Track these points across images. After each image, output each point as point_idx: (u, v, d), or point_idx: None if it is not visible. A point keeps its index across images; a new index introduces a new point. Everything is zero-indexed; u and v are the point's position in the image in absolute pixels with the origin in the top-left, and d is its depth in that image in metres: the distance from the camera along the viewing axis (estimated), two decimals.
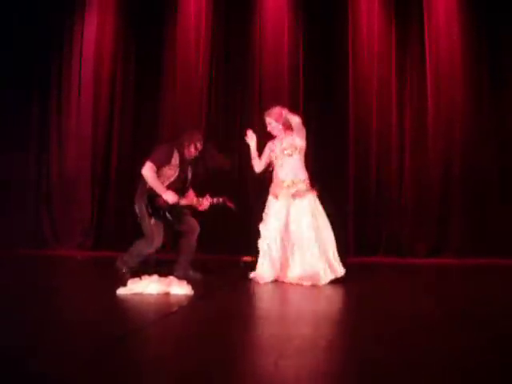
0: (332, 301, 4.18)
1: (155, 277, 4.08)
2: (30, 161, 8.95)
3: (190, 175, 5.26)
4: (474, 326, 3.03)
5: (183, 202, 5.07)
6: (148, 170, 4.90)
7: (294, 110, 8.55)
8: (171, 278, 4.18)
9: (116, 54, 9.00)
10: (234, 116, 8.78)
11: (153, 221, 4.96)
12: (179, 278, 4.32)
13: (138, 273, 4.54)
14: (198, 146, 5.15)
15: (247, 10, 8.88)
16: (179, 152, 5.06)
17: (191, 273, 5.07)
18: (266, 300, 4.09)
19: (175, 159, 5.02)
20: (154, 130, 8.58)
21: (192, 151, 5.12)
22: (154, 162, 4.94)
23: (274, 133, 5.37)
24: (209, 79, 8.84)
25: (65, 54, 9.04)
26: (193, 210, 5.24)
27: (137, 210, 5.03)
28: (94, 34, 8.97)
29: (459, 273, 6.69)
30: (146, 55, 8.92)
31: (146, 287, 3.93)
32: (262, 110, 8.59)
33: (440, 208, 8.35)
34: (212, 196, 5.21)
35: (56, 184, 8.88)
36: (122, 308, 3.56)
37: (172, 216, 4.96)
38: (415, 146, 8.48)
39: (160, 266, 5.04)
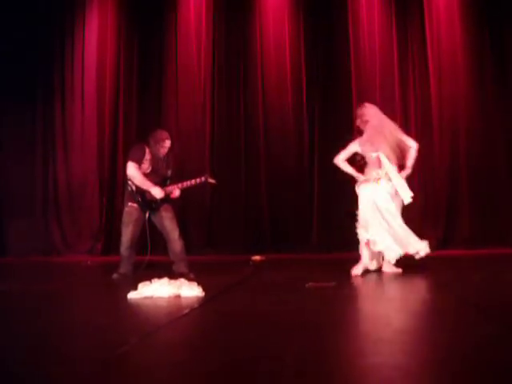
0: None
1: (165, 280, 4.08)
2: (37, 169, 9.00)
3: (168, 172, 5.51)
4: (486, 318, 3.01)
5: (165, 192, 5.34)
6: (133, 169, 5.25)
7: (297, 103, 8.72)
8: (181, 280, 4.17)
9: (118, 55, 9.05)
10: (237, 111, 8.83)
11: (129, 218, 5.28)
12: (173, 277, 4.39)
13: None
14: (167, 143, 5.42)
15: (248, 4, 8.90)
16: (149, 148, 5.36)
17: (184, 272, 5.15)
18: (276, 299, 4.08)
19: (147, 154, 5.32)
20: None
21: (160, 150, 5.39)
22: (134, 160, 5.28)
23: (363, 126, 5.37)
24: (211, 78, 8.88)
25: (66, 61, 9.10)
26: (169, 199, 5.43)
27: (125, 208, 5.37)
28: (96, 36, 9.02)
29: (469, 263, 6.65)
30: (147, 56, 9.00)
31: (156, 290, 3.92)
32: (266, 105, 8.76)
33: (448, 198, 8.34)
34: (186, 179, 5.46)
35: (64, 190, 8.93)
36: (133, 312, 3.56)
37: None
38: (421, 136, 8.46)
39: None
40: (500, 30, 8.42)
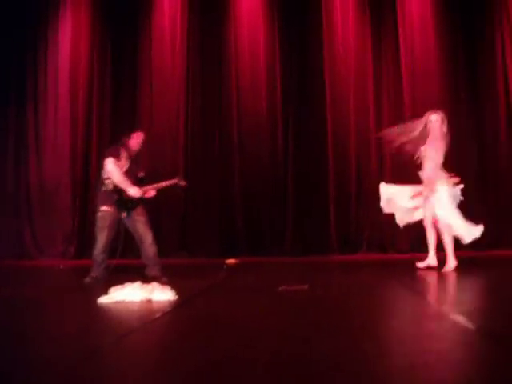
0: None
1: (137, 284, 4.05)
2: (9, 171, 8.87)
3: (140, 173, 5.55)
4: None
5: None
6: (111, 165, 5.21)
7: (272, 108, 8.74)
8: (154, 284, 4.15)
9: (92, 58, 8.99)
10: (211, 115, 8.83)
11: (103, 223, 5.23)
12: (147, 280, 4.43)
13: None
14: (139, 136, 5.54)
15: (222, 9, 8.91)
16: (124, 147, 5.42)
17: (157, 276, 5.18)
18: (249, 302, 4.08)
19: (123, 153, 5.35)
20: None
21: (132, 142, 5.46)
22: (111, 156, 5.24)
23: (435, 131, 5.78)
24: (185, 82, 8.87)
25: (40, 63, 9.03)
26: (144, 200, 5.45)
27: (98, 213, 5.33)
28: (69, 39, 8.95)
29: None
30: (121, 59, 8.96)
31: (128, 295, 3.90)
32: (240, 109, 8.75)
33: None
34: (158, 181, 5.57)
35: (35, 192, 8.81)
36: (104, 316, 3.53)
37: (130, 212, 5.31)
38: None
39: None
40: (472, 36, 8.55)
